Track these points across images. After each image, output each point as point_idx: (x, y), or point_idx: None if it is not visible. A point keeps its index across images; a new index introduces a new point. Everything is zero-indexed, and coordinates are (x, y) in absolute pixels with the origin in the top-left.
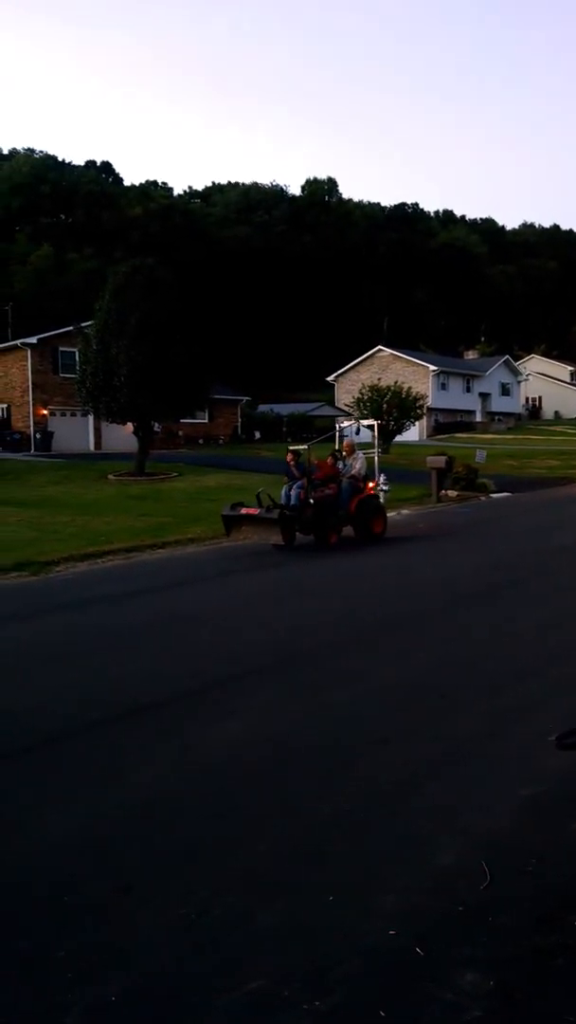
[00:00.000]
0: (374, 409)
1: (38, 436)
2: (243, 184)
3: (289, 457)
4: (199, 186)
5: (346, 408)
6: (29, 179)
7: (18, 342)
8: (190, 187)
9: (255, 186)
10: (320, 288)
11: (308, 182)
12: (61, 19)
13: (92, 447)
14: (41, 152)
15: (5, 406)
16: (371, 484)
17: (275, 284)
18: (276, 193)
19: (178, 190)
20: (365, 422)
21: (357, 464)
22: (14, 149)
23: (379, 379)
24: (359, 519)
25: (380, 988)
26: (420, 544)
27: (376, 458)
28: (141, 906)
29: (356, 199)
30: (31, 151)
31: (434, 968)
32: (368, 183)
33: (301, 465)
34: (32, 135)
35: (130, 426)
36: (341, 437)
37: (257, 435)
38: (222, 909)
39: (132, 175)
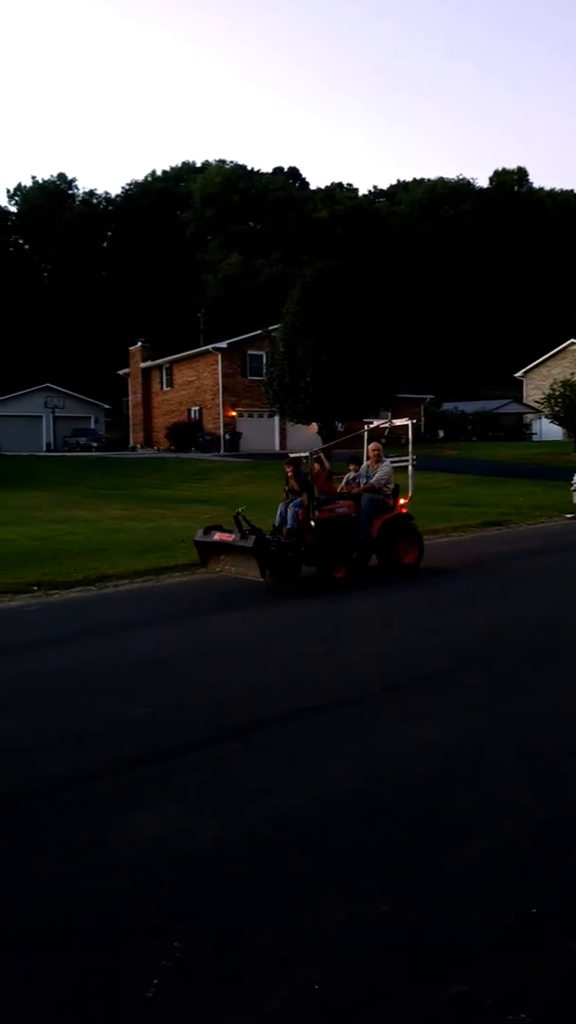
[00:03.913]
0: (566, 405)
1: (227, 437)
2: (428, 180)
3: (288, 469)
4: (384, 185)
5: (536, 404)
6: (221, 189)
7: (209, 347)
8: (375, 187)
9: (441, 181)
10: (509, 282)
11: (496, 173)
12: (240, 33)
13: (277, 447)
14: (232, 162)
15: (197, 408)
16: (402, 500)
17: (462, 279)
18: (463, 187)
19: (363, 190)
20: (398, 421)
21: (379, 473)
22: (207, 161)
23: (572, 374)
24: (384, 545)
25: None
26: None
27: (411, 468)
28: (334, 901)
29: (548, 187)
30: (223, 162)
31: None
32: (562, 171)
33: (303, 477)
34: (224, 146)
35: (314, 426)
36: (370, 440)
37: (441, 434)
38: (417, 910)
39: (318, 179)
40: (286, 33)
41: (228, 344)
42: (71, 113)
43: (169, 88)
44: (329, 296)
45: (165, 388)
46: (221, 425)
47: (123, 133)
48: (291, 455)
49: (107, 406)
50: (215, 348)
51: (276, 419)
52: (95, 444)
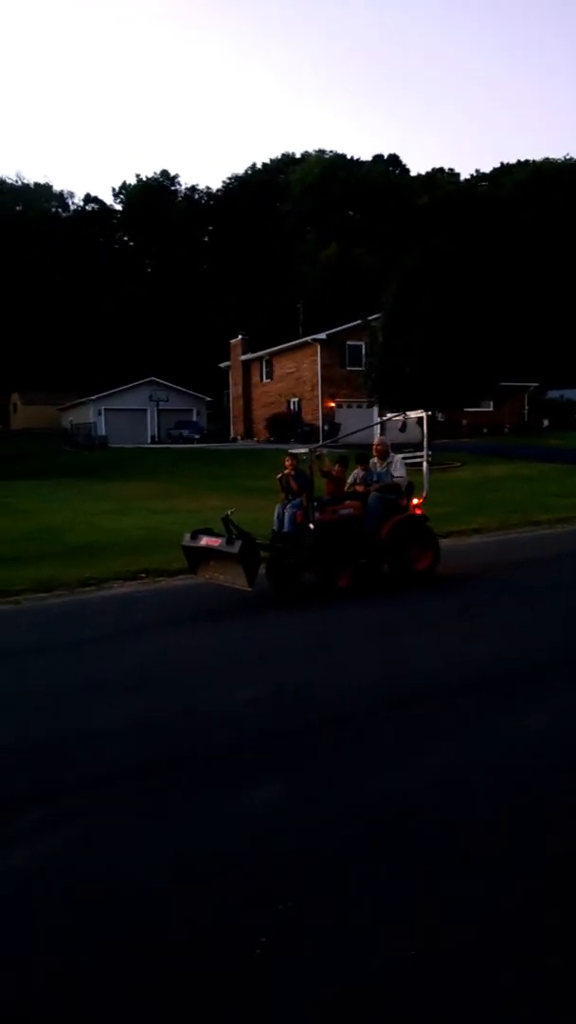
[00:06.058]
0: None
1: (326, 428)
2: (534, 161)
3: (287, 463)
4: (487, 168)
5: None
6: (319, 179)
7: (308, 338)
8: (477, 170)
9: (547, 162)
10: None
11: None
12: (334, 23)
13: (376, 438)
14: (331, 152)
15: (296, 400)
16: (415, 500)
17: (568, 264)
18: (570, 167)
19: (465, 175)
20: (412, 414)
21: (396, 470)
22: (306, 152)
23: None
24: (395, 550)
25: None
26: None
27: (426, 464)
28: (436, 880)
29: None
30: (322, 152)
31: None
32: None
33: (302, 476)
34: (323, 136)
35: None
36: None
37: (545, 423)
38: (514, 895)
39: (418, 164)
40: (380, 21)
41: (327, 335)
42: (174, 111)
43: (268, 81)
44: (431, 281)
45: (265, 380)
46: (320, 416)
47: (224, 128)
48: (291, 451)
49: (209, 399)
50: (314, 339)
51: (375, 409)
52: (197, 436)
